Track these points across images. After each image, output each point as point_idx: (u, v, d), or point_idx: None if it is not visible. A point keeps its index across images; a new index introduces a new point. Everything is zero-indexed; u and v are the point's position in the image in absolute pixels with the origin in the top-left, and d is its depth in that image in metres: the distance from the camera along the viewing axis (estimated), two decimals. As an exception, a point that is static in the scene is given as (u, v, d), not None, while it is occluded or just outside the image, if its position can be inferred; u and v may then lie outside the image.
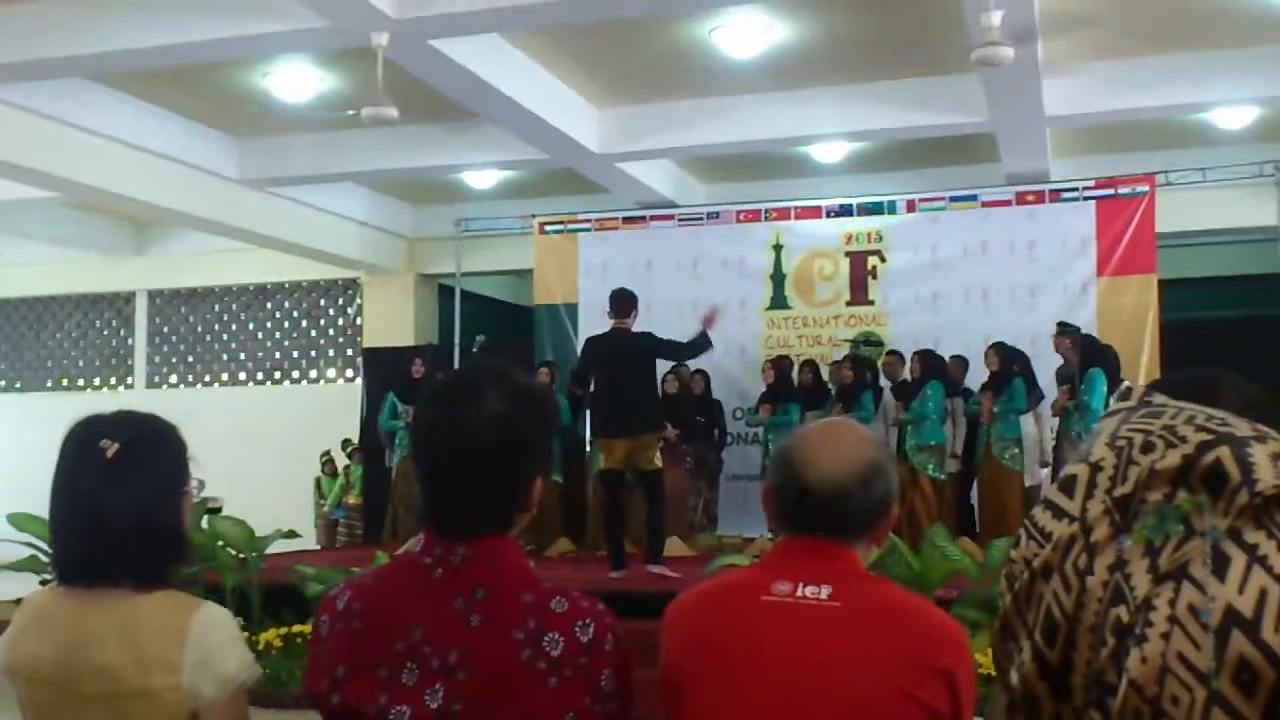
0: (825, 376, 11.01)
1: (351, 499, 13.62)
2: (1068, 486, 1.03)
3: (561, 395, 10.20)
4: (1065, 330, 9.68)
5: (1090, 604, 0.97)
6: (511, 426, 1.81)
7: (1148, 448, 1.01)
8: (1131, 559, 0.96)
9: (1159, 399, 1.08)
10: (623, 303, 8.52)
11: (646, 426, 8.41)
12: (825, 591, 1.87)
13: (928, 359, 10.20)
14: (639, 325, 8.62)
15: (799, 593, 1.87)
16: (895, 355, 10.63)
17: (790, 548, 1.96)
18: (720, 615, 1.93)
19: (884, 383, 10.59)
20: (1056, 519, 1.02)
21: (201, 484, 2.20)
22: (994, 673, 3.78)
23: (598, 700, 1.76)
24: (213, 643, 2.02)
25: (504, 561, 1.82)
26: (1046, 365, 10.19)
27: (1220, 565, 0.95)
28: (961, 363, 10.60)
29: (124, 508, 2.02)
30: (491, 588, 1.78)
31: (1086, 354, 9.38)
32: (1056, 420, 9.87)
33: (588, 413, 10.27)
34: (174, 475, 2.13)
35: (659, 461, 8.45)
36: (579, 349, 12.33)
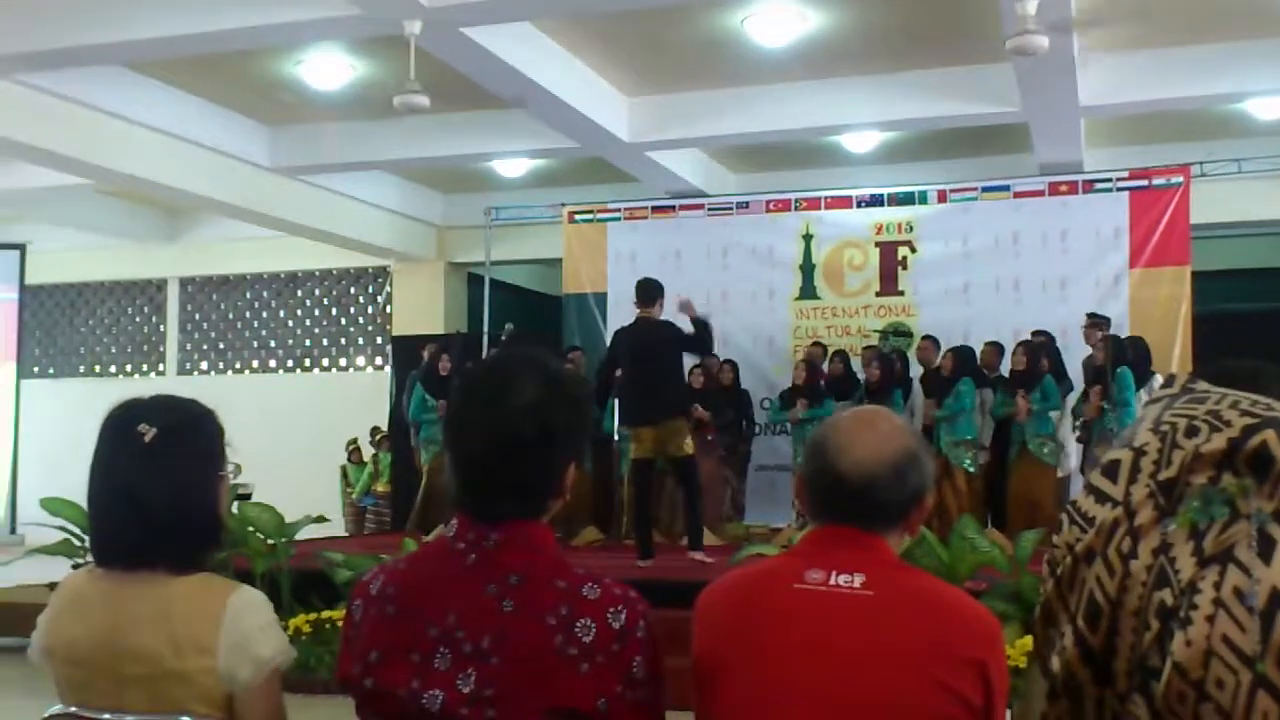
0: (856, 367, 10.98)
1: (380, 487, 13.67)
2: (1111, 471, 1.02)
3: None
4: (1097, 321, 9.63)
5: (1134, 588, 0.96)
6: (545, 413, 1.81)
7: (1192, 432, 1.00)
8: (1176, 542, 0.95)
9: (1202, 386, 1.07)
10: (648, 292, 8.52)
11: (673, 412, 8.42)
12: (858, 580, 1.86)
13: (961, 355, 10.12)
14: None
15: (832, 581, 1.86)
16: (930, 341, 10.54)
17: (823, 536, 1.95)
18: (752, 603, 1.92)
19: (914, 372, 10.55)
20: (1100, 504, 1.01)
21: (238, 468, 2.21)
22: (1021, 665, 3.78)
23: (629, 687, 1.76)
24: (248, 626, 2.03)
25: (537, 547, 1.83)
26: (1075, 357, 10.16)
27: (1266, 548, 0.93)
28: (996, 349, 10.51)
29: (161, 491, 2.03)
30: (525, 573, 1.79)
31: (1114, 354, 9.32)
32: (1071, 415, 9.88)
33: (615, 402, 10.26)
34: (211, 459, 2.14)
35: (691, 447, 8.45)
36: (608, 338, 12.35)
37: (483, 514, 1.83)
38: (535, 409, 1.80)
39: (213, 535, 2.13)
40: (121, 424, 2.09)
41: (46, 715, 2.08)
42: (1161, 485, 0.99)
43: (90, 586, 2.10)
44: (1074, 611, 1.00)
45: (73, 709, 2.06)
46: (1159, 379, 9.60)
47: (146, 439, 2.05)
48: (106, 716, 2.02)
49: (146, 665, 2.00)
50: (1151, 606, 0.95)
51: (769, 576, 1.96)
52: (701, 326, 8.48)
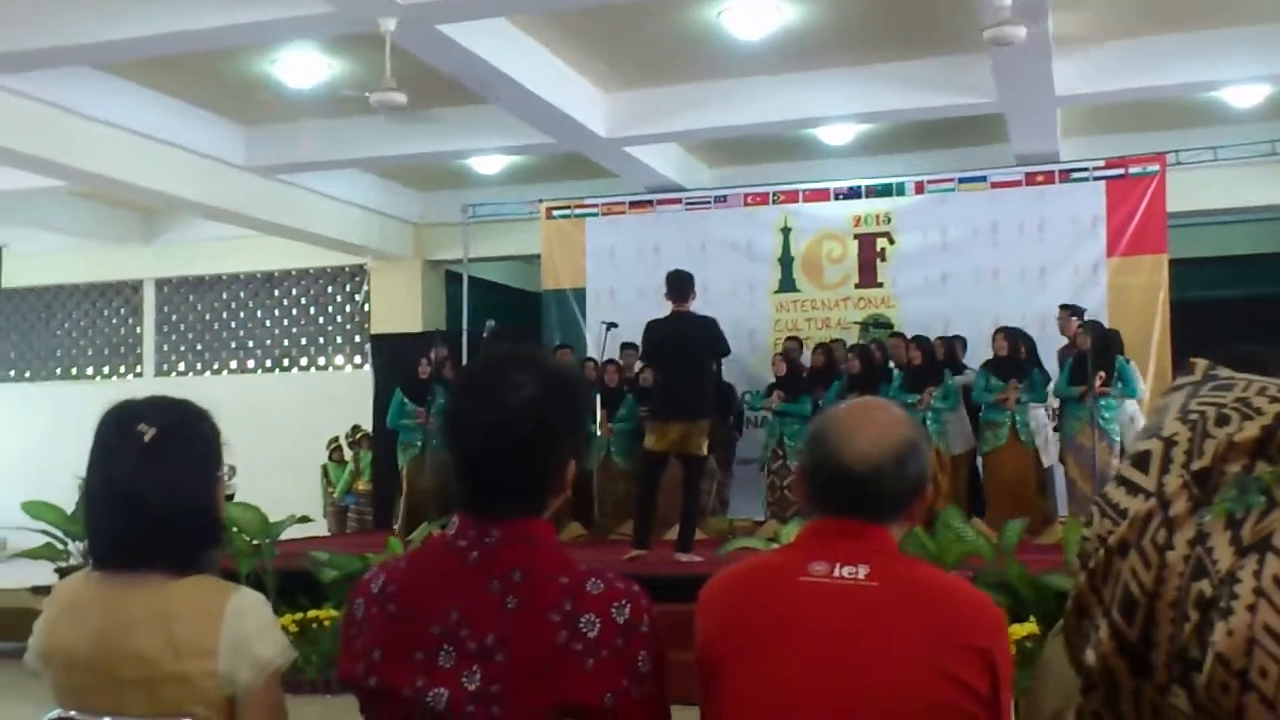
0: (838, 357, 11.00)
1: (361, 485, 13.62)
2: (1141, 462, 1.02)
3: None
4: (1073, 311, 9.65)
5: (1171, 579, 0.95)
6: (545, 409, 1.80)
7: (1222, 420, 0.99)
8: (1213, 532, 0.94)
9: (1225, 372, 1.07)
10: (681, 286, 8.42)
11: (705, 411, 8.41)
12: (863, 571, 1.86)
13: (929, 346, 10.13)
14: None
15: (836, 573, 1.86)
16: (900, 338, 10.58)
17: (825, 528, 1.95)
18: (757, 596, 1.92)
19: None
20: (1132, 495, 1.00)
21: (233, 469, 2.19)
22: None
23: (635, 682, 1.76)
24: (248, 627, 2.01)
25: (538, 543, 1.82)
26: (1055, 347, 10.19)
27: None
28: (961, 343, 10.60)
29: (162, 492, 2.01)
30: (527, 569, 1.78)
31: (1102, 340, 9.33)
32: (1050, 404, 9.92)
33: (596, 397, 10.25)
34: (210, 460, 2.12)
35: (705, 448, 8.44)
36: (587, 334, 12.34)
37: (483, 512, 1.82)
38: (534, 405, 1.79)
39: (213, 536, 2.12)
40: (120, 424, 2.06)
41: (43, 721, 2.06)
42: (1195, 475, 0.98)
43: (87, 590, 2.08)
44: (1108, 604, 1.00)
45: (71, 714, 2.04)
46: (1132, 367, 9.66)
47: (147, 439, 2.03)
48: (105, 720, 2.01)
49: (146, 668, 1.98)
50: (1190, 597, 0.95)
51: (773, 570, 1.96)
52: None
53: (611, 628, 1.75)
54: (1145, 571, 0.97)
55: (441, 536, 1.87)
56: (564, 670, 1.72)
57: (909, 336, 10.40)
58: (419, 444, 10.87)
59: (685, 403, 8.33)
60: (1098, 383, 9.15)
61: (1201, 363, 1.11)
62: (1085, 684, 1.03)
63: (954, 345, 10.49)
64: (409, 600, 1.81)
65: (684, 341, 8.34)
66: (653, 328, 8.66)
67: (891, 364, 10.53)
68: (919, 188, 11.83)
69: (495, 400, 1.80)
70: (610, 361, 10.67)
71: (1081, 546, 1.04)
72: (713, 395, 8.77)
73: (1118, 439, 9.28)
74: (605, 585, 1.79)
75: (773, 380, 10.94)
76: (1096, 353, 9.12)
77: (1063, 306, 9.86)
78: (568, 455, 1.86)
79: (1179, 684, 0.95)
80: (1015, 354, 9.80)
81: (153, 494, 2.01)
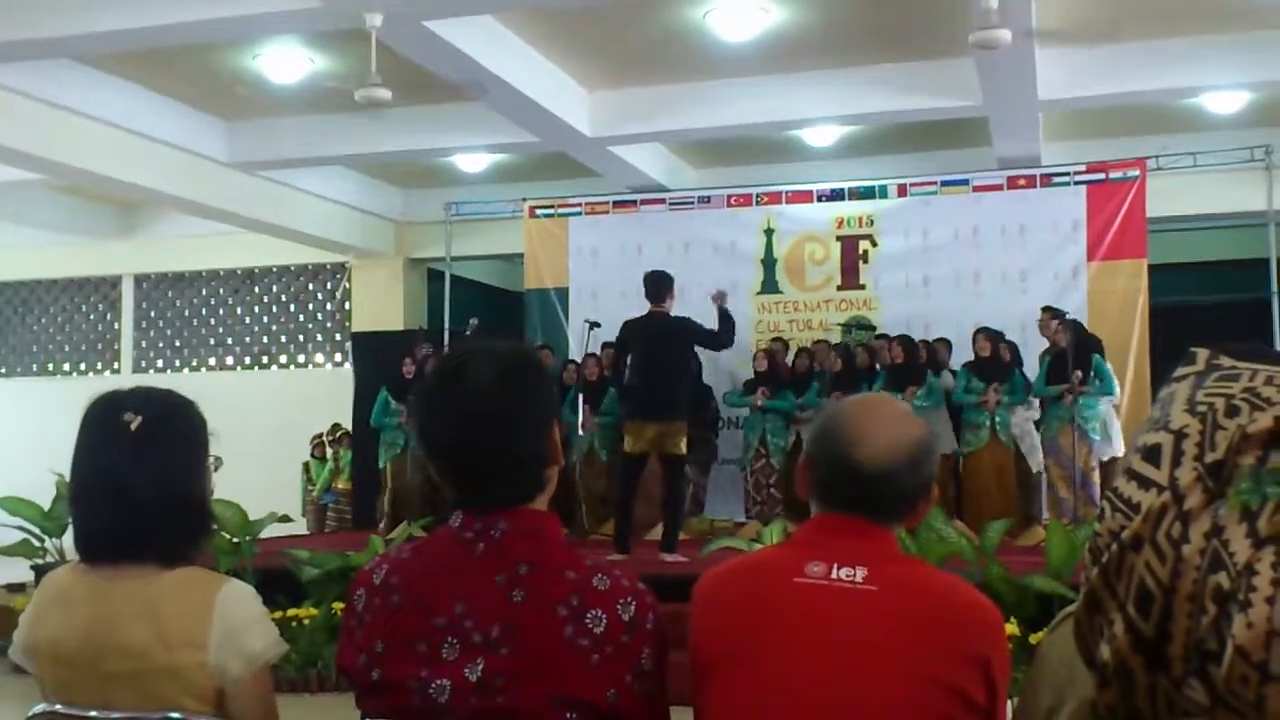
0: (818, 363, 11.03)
1: (340, 484, 13.57)
2: (1152, 456, 1.01)
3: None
4: (1054, 313, 9.70)
5: (1187, 572, 0.95)
6: (510, 386, 1.80)
7: (1232, 411, 0.99)
8: (1228, 525, 0.94)
9: (1228, 361, 1.06)
10: (659, 287, 8.47)
11: (682, 411, 8.42)
12: (860, 574, 1.82)
13: (911, 345, 10.16)
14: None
15: (833, 575, 1.83)
16: (884, 337, 10.62)
17: (826, 525, 1.92)
18: (752, 596, 1.88)
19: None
20: (1144, 489, 1.00)
21: (219, 460, 2.18)
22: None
23: (638, 678, 1.76)
24: (238, 620, 2.00)
25: (545, 537, 1.82)
26: (1037, 350, 10.24)
27: None
28: (946, 345, 10.64)
29: (151, 481, 2.00)
30: (534, 563, 1.78)
31: (1081, 340, 9.38)
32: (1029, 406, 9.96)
33: (579, 396, 10.25)
34: (198, 448, 2.11)
35: (685, 447, 8.45)
36: (570, 334, 12.34)
37: (484, 502, 1.81)
38: (499, 384, 1.79)
39: (201, 525, 2.10)
40: (105, 414, 2.05)
41: (30, 715, 2.04)
42: (1210, 468, 0.98)
43: (75, 582, 2.06)
44: (1123, 599, 0.99)
45: (57, 707, 2.02)
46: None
47: (133, 427, 2.01)
48: (93, 714, 1.98)
49: (135, 661, 1.96)
50: (1207, 590, 0.94)
51: (769, 569, 1.93)
52: (726, 320, 8.56)
53: (617, 624, 1.75)
54: (1160, 566, 0.97)
55: (446, 529, 1.86)
56: (569, 665, 1.72)
57: (892, 336, 10.44)
58: (401, 443, 10.96)
59: (662, 403, 8.34)
60: (1077, 380, 9.19)
61: (1203, 352, 1.10)
62: (1100, 680, 1.02)
63: (937, 347, 10.52)
64: (413, 592, 1.80)
65: (661, 342, 8.36)
66: (629, 327, 8.68)
67: (877, 365, 10.54)
68: (901, 190, 11.85)
69: (460, 391, 1.80)
70: (591, 355, 10.66)
71: (1093, 542, 1.03)
72: (689, 395, 8.78)
73: (1096, 438, 9.35)
74: (611, 581, 1.79)
75: (752, 376, 10.93)
76: (1076, 351, 9.18)
77: (1044, 309, 9.92)
78: (548, 421, 1.87)
79: (1196, 677, 0.95)
80: (996, 354, 9.86)
81: (141, 484, 1.99)
